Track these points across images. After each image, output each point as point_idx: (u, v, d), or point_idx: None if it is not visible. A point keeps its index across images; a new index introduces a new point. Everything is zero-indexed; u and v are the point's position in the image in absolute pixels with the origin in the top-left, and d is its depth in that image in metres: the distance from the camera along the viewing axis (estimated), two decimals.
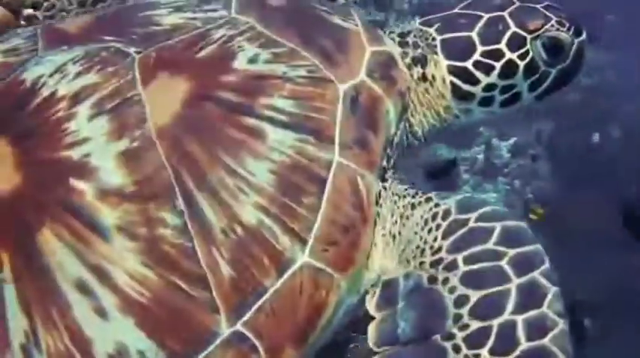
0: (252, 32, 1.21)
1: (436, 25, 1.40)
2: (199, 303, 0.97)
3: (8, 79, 1.11)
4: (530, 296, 0.97)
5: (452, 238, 1.07)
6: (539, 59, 1.34)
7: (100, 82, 1.08)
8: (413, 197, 1.21)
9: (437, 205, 1.14)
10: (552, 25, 1.33)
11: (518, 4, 1.36)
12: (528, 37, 1.33)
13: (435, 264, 1.06)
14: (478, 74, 1.35)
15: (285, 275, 1.02)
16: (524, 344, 0.94)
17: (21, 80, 1.10)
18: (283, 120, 1.11)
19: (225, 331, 0.97)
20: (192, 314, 0.96)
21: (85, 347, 0.93)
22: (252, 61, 1.16)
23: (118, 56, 1.12)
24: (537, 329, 0.94)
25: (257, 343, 0.98)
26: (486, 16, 1.35)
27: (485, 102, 1.39)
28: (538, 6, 1.36)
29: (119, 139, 1.02)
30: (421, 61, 1.39)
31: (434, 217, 1.12)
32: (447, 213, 1.11)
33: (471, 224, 1.07)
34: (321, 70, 1.19)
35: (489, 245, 1.04)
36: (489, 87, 1.36)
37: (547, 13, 1.34)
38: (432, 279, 1.04)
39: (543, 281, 0.99)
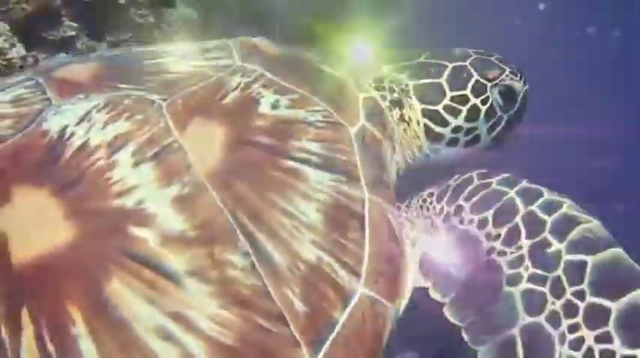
0: (264, 79, 1.27)
1: (407, 72, 1.57)
2: (281, 339, 0.97)
3: (28, 131, 1.04)
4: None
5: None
6: (497, 104, 1.56)
7: (133, 129, 1.06)
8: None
9: None
10: (507, 75, 1.56)
11: (475, 55, 1.58)
12: (488, 84, 1.54)
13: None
14: (448, 117, 1.53)
15: (349, 307, 1.06)
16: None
17: (44, 131, 1.04)
18: (316, 161, 1.17)
19: None
20: (277, 350, 0.96)
21: None
22: (275, 106, 1.21)
23: (142, 104, 1.11)
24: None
25: None
26: (451, 65, 1.55)
27: (452, 142, 1.57)
28: (492, 58, 1.59)
29: (169, 186, 1.01)
30: (399, 103, 1.54)
31: None
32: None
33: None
34: (333, 115, 1.28)
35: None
36: (456, 129, 1.54)
37: (500, 64, 1.57)
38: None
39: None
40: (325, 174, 1.16)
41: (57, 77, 1.18)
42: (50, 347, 0.86)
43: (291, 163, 1.14)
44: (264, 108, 1.20)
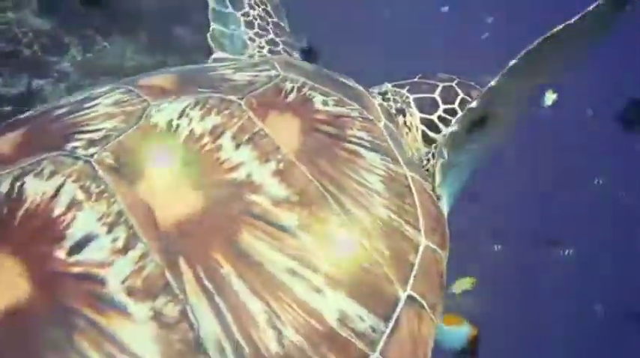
0: (309, 85, 1.53)
1: (407, 87, 1.89)
2: (379, 278, 1.21)
3: (140, 124, 1.24)
4: None
5: None
6: None
7: (225, 121, 1.28)
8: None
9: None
10: None
11: (457, 80, 1.93)
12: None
13: None
14: (440, 125, 1.85)
15: (419, 253, 1.33)
16: None
17: (153, 124, 1.24)
18: (367, 145, 1.44)
19: (401, 295, 1.23)
20: (378, 286, 1.20)
21: (317, 316, 1.10)
22: (325, 104, 1.48)
23: (225, 102, 1.34)
24: None
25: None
26: (441, 84, 1.88)
27: None
28: (472, 82, 1.95)
29: (267, 162, 1.24)
30: (402, 111, 1.84)
31: None
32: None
33: None
34: (364, 113, 1.56)
35: None
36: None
37: (478, 87, 1.93)
38: None
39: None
40: (376, 155, 1.43)
41: (145, 85, 1.38)
42: (208, 284, 1.06)
43: (350, 146, 1.40)
44: (318, 105, 1.46)
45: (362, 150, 1.41)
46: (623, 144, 10.69)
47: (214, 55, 2.02)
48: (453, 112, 1.84)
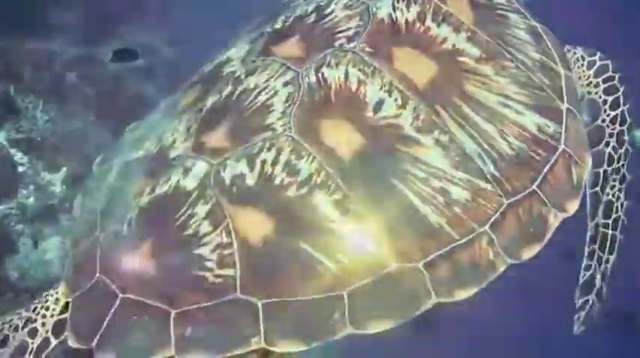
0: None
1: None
2: (548, 97, 1.60)
3: (372, 20, 1.58)
4: None
5: None
6: None
7: (422, 8, 1.61)
8: None
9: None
10: None
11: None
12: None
13: None
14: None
15: (562, 78, 1.66)
16: None
17: (380, 19, 1.59)
18: (520, 23, 1.72)
19: (563, 107, 1.61)
20: (549, 103, 1.59)
21: (525, 128, 1.52)
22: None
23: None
24: None
25: None
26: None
27: None
28: None
29: (460, 33, 1.59)
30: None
31: None
32: None
33: None
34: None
35: None
36: None
37: None
38: None
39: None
40: (525, 24, 1.73)
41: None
42: (459, 119, 1.48)
43: (503, 12, 1.72)
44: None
45: (511, 15, 1.71)
46: None
47: None
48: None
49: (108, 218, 1.49)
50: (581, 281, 1.76)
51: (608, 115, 1.78)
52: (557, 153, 1.54)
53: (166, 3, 6.53)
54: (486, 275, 1.36)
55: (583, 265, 1.76)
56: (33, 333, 1.50)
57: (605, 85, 1.79)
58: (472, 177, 1.43)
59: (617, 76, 1.80)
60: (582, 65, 1.81)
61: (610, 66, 1.81)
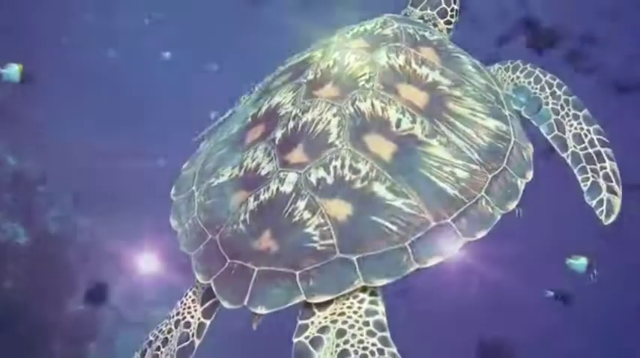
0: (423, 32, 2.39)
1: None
2: (499, 114, 2.27)
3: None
4: None
5: None
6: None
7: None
8: None
9: None
10: None
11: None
12: None
13: None
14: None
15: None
16: None
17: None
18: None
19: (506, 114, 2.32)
20: (498, 112, 2.27)
21: (487, 129, 2.18)
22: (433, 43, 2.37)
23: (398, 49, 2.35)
24: None
25: None
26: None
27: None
28: None
29: (434, 70, 2.27)
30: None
31: None
32: None
33: None
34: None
35: None
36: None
37: None
38: None
39: None
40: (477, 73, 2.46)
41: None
42: (447, 125, 2.15)
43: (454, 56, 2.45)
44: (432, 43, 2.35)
45: (460, 55, 2.43)
46: None
47: None
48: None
49: (212, 226, 2.07)
50: (585, 189, 2.27)
51: (533, 87, 2.46)
52: (512, 143, 2.16)
53: None
54: (491, 221, 2.01)
55: (581, 183, 2.30)
56: (187, 325, 2.10)
57: (519, 71, 2.50)
58: (467, 162, 2.02)
59: (520, 62, 2.51)
60: (504, 71, 2.52)
61: (518, 62, 2.52)
